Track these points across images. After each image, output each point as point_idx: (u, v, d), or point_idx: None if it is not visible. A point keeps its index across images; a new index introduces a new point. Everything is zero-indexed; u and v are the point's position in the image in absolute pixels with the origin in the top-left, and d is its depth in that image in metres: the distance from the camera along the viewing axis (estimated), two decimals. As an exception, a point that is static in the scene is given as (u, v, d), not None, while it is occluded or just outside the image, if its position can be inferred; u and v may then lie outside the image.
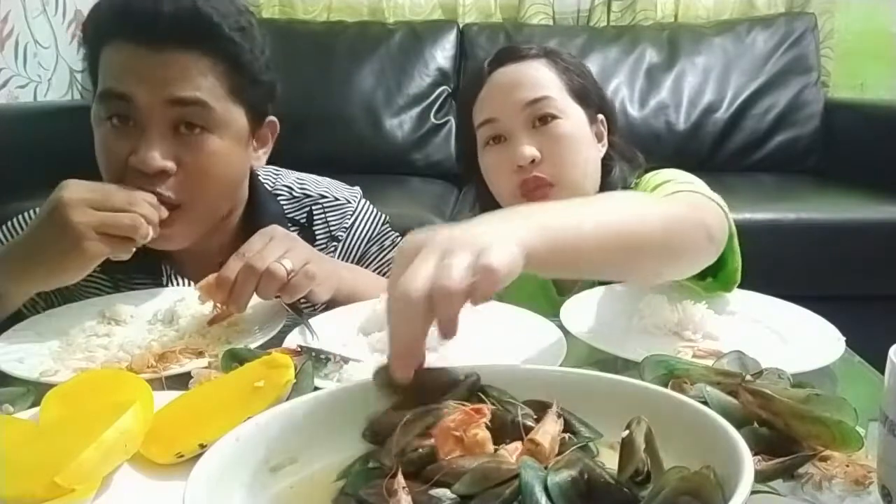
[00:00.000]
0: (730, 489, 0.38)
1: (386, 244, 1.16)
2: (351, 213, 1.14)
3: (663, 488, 0.40)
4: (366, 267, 1.13)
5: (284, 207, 1.11)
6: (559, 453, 0.46)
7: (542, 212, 0.66)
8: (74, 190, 0.83)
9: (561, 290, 1.16)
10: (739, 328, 0.86)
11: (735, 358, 0.70)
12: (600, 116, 1.15)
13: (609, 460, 0.47)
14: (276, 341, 0.81)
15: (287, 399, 0.59)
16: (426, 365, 0.55)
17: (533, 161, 1.05)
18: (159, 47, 0.90)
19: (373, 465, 0.48)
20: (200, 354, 0.79)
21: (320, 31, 2.66)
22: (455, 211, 2.12)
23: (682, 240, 0.79)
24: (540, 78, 1.09)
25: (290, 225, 1.08)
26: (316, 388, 0.63)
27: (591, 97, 1.13)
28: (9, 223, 1.06)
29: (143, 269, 1.01)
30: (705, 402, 0.54)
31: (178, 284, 1.04)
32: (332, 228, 1.12)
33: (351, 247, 1.13)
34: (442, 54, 2.60)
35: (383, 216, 1.18)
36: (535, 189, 1.06)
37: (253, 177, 1.07)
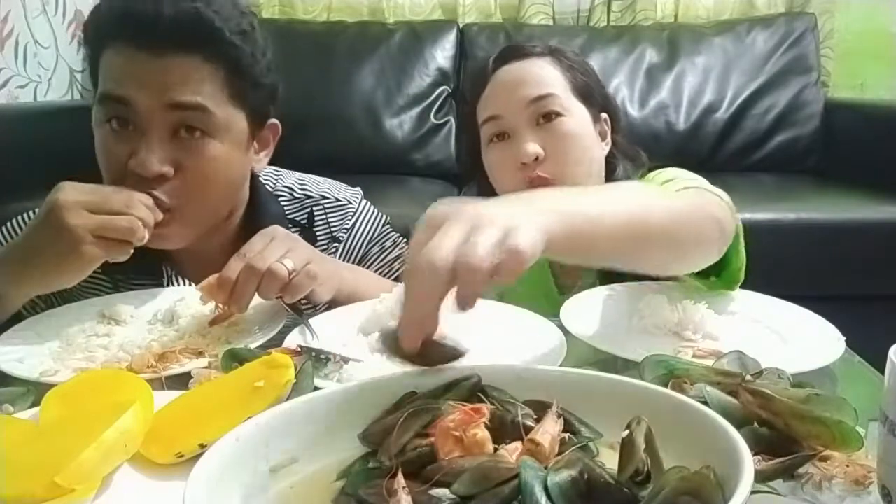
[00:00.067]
0: (730, 489, 0.38)
1: (387, 245, 1.16)
2: (352, 213, 1.14)
3: (663, 488, 0.40)
4: (367, 268, 1.13)
5: (285, 208, 1.11)
6: (559, 453, 0.46)
7: (560, 198, 0.68)
8: (71, 192, 0.83)
9: (561, 289, 1.16)
10: (739, 328, 0.86)
11: (735, 358, 0.70)
12: (604, 115, 1.15)
13: (609, 460, 0.47)
14: (276, 341, 0.81)
15: (287, 399, 0.59)
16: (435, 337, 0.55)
17: (537, 159, 1.05)
18: (159, 51, 0.90)
19: (373, 465, 0.48)
20: (200, 354, 0.79)
21: (320, 31, 2.66)
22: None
23: (694, 232, 0.80)
24: (544, 76, 1.09)
25: (290, 226, 1.08)
26: (316, 388, 0.63)
27: (594, 95, 1.14)
28: (9, 223, 1.06)
29: (144, 270, 1.01)
30: (705, 402, 0.54)
31: (178, 286, 1.04)
32: (333, 229, 1.12)
33: (352, 248, 1.13)
34: (442, 54, 2.60)
35: (384, 217, 1.18)
36: (538, 187, 1.06)
37: (254, 178, 1.07)
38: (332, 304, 0.94)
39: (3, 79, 2.07)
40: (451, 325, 0.78)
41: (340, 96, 2.51)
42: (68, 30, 2.37)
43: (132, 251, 0.86)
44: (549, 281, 1.18)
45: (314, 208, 1.12)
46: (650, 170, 1.16)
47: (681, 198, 0.85)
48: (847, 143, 2.45)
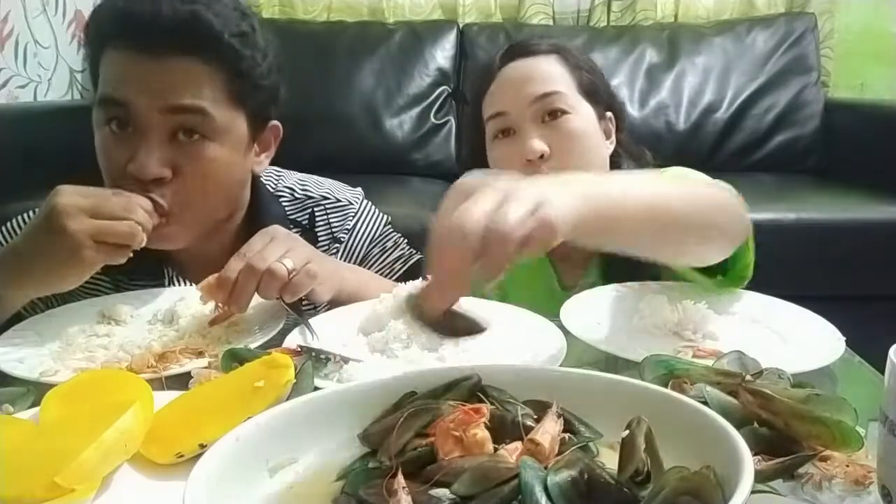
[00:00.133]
0: (730, 489, 0.38)
1: (388, 245, 1.16)
2: (353, 214, 1.14)
3: (663, 488, 0.40)
4: (368, 268, 1.12)
5: (286, 209, 1.11)
6: (559, 453, 0.46)
7: (587, 181, 0.68)
8: (70, 197, 0.82)
9: (564, 287, 1.16)
10: (739, 328, 0.86)
11: (735, 358, 0.70)
12: (609, 114, 1.15)
13: (609, 460, 0.47)
14: (276, 341, 0.81)
15: (287, 399, 0.59)
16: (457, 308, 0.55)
17: (542, 156, 1.05)
18: (158, 54, 0.89)
19: (373, 465, 0.48)
20: (200, 354, 0.79)
21: (320, 31, 2.66)
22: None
23: (714, 220, 0.80)
24: (551, 73, 1.10)
25: (292, 226, 1.08)
26: (316, 388, 0.63)
27: (600, 94, 1.14)
28: (9, 223, 1.05)
29: (145, 271, 1.01)
30: (705, 402, 0.54)
31: (179, 287, 1.03)
32: (334, 230, 1.12)
33: (353, 248, 1.13)
34: (442, 54, 2.60)
35: (386, 217, 1.18)
36: None
37: (255, 178, 1.07)
38: (332, 304, 0.94)
39: (3, 79, 2.07)
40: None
41: (340, 96, 2.51)
42: (68, 30, 2.37)
43: (131, 254, 0.86)
44: (551, 279, 1.18)
45: (315, 209, 1.12)
46: (654, 168, 1.16)
47: (701, 187, 0.86)
48: (847, 143, 2.46)
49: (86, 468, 0.52)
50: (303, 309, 0.90)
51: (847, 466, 0.53)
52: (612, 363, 0.75)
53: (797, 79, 2.53)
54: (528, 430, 0.48)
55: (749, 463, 0.39)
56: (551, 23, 2.73)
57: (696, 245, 0.82)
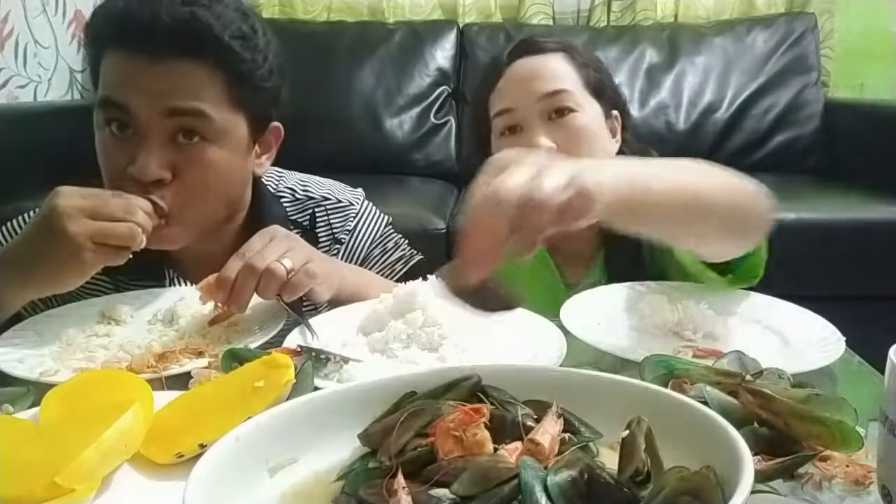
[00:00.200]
0: (730, 489, 0.38)
1: (389, 246, 1.16)
2: (354, 215, 1.14)
3: (663, 488, 0.40)
4: (368, 269, 1.12)
5: (287, 209, 1.11)
6: (559, 453, 0.46)
7: (618, 162, 0.69)
8: (69, 198, 0.82)
9: (568, 285, 1.16)
10: (739, 328, 0.86)
11: (735, 358, 0.70)
12: (615, 112, 1.16)
13: (609, 460, 0.47)
14: (276, 341, 0.81)
15: (287, 399, 0.59)
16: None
17: None
18: (158, 57, 0.89)
19: (373, 465, 0.48)
20: (200, 354, 0.79)
21: (320, 31, 2.66)
22: (455, 211, 2.12)
23: (742, 208, 0.80)
24: (559, 71, 1.10)
25: (292, 227, 1.08)
26: (316, 388, 0.63)
27: (606, 92, 1.14)
28: (9, 223, 1.05)
29: (146, 272, 1.01)
30: (705, 402, 0.54)
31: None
32: (334, 231, 1.12)
33: (354, 249, 1.13)
34: (442, 54, 2.60)
35: (386, 218, 1.18)
36: None
37: (256, 179, 1.07)
38: (332, 304, 0.94)
39: (3, 79, 2.07)
40: (452, 324, 0.79)
41: (340, 96, 2.52)
42: (68, 30, 2.37)
43: (130, 256, 0.86)
44: (555, 277, 1.18)
45: (316, 210, 1.12)
46: None
47: (734, 178, 0.86)
48: (847, 143, 2.45)
49: (86, 468, 0.52)
50: (303, 309, 0.90)
51: (847, 466, 0.53)
52: (612, 363, 0.75)
53: (797, 79, 2.53)
54: (528, 430, 0.48)
55: (749, 463, 0.39)
56: (551, 23, 2.73)
57: (725, 235, 0.82)
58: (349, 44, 2.58)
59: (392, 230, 1.17)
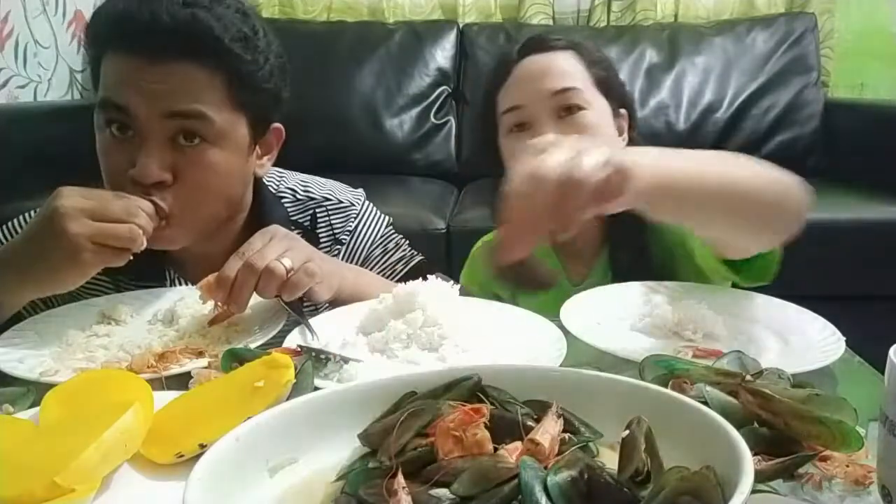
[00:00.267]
0: (730, 489, 0.38)
1: (390, 247, 1.15)
2: (355, 215, 1.14)
3: (663, 488, 0.40)
4: (369, 270, 1.12)
5: (288, 210, 1.11)
6: (559, 453, 0.46)
7: (660, 151, 0.71)
8: (71, 199, 0.82)
9: (573, 282, 1.16)
10: (739, 328, 0.86)
11: (735, 358, 0.70)
12: (622, 110, 1.16)
13: (609, 460, 0.47)
14: (276, 341, 0.81)
15: (287, 399, 0.59)
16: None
17: None
18: (158, 58, 0.89)
19: (373, 465, 0.48)
20: (200, 354, 0.79)
21: (320, 31, 2.66)
22: (455, 211, 2.12)
23: (786, 205, 0.81)
24: (568, 69, 1.10)
25: (293, 228, 1.08)
26: (316, 388, 0.63)
27: (614, 90, 1.14)
28: (9, 223, 1.05)
29: (147, 273, 1.01)
30: (705, 402, 0.54)
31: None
32: (335, 231, 1.12)
33: (355, 250, 1.13)
34: (442, 54, 2.60)
35: (387, 219, 1.18)
36: None
37: (257, 180, 1.07)
38: (333, 304, 0.94)
39: (3, 79, 2.07)
40: (452, 324, 0.79)
41: (340, 96, 2.52)
42: (68, 30, 2.37)
43: (130, 257, 0.86)
44: (560, 272, 1.18)
45: (317, 210, 1.12)
46: None
47: (773, 170, 0.86)
48: (847, 143, 2.45)
49: (86, 468, 0.52)
50: (303, 309, 0.90)
51: (847, 466, 0.53)
52: (612, 363, 0.75)
53: (797, 79, 2.53)
54: (528, 430, 0.48)
55: (749, 463, 0.39)
56: (551, 23, 2.73)
57: (760, 226, 0.83)
58: (349, 44, 2.58)
59: (393, 231, 1.17)
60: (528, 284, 0.58)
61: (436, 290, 0.83)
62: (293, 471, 0.49)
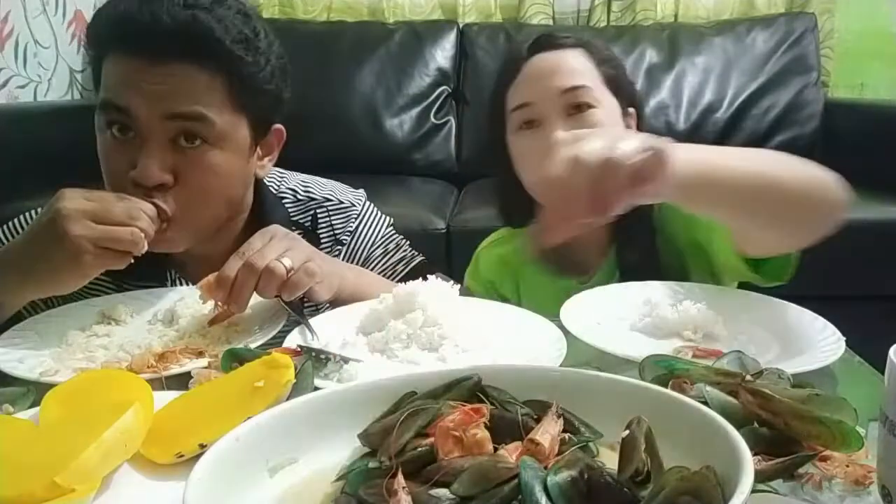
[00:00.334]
0: (730, 489, 0.38)
1: (390, 248, 1.15)
2: (355, 216, 1.14)
3: (663, 488, 0.40)
4: (370, 270, 1.12)
5: (289, 210, 1.11)
6: (559, 453, 0.46)
7: (696, 145, 0.72)
8: (73, 201, 0.82)
9: (578, 279, 1.16)
10: (739, 328, 0.86)
11: (735, 358, 0.70)
12: (631, 109, 1.16)
13: (609, 460, 0.47)
14: (276, 341, 0.81)
15: (287, 399, 0.59)
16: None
17: None
18: (158, 60, 0.89)
19: (373, 465, 0.48)
20: (200, 354, 0.79)
21: (320, 31, 2.66)
22: (455, 211, 2.12)
23: (821, 201, 0.82)
24: (578, 67, 1.10)
25: (294, 228, 1.07)
26: (316, 388, 0.63)
27: (623, 89, 1.14)
28: (9, 223, 1.05)
29: (148, 274, 1.01)
30: (705, 402, 0.54)
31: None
32: (336, 232, 1.12)
33: (355, 250, 1.13)
34: (442, 54, 2.60)
35: (388, 219, 1.18)
36: None
37: (258, 181, 1.07)
38: (333, 304, 0.94)
39: (3, 79, 2.07)
40: (452, 324, 0.79)
41: (340, 96, 2.52)
42: (68, 30, 2.37)
43: (132, 260, 0.86)
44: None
45: (317, 211, 1.12)
46: None
47: (809, 165, 0.86)
48: (847, 143, 2.45)
49: (86, 468, 0.52)
50: (303, 309, 0.90)
51: (847, 466, 0.53)
52: (612, 363, 0.75)
53: (797, 79, 2.53)
54: (528, 430, 0.48)
55: (749, 463, 0.39)
56: (551, 23, 2.73)
57: (795, 222, 0.83)
58: (349, 44, 2.58)
59: (393, 231, 1.17)
60: (569, 269, 0.60)
61: (436, 291, 0.83)
62: (293, 471, 0.49)
